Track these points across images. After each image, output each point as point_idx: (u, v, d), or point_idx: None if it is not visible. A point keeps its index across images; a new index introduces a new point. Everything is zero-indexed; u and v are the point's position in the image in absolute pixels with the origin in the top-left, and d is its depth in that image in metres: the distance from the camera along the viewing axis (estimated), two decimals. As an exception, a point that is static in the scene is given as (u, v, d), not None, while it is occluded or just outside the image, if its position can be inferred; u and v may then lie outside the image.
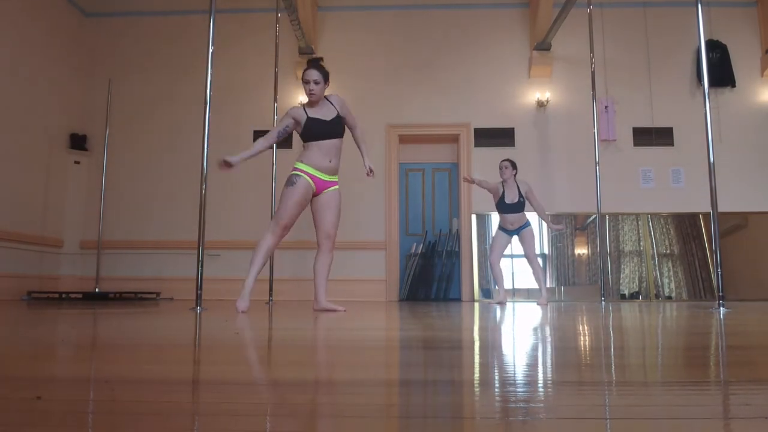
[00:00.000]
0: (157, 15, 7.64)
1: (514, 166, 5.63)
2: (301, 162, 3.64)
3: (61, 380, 0.90)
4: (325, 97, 3.71)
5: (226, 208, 7.18)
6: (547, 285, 6.83)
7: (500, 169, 5.64)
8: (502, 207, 5.57)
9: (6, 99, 6.17)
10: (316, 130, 3.60)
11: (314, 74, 3.59)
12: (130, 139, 7.40)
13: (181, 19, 7.60)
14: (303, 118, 3.61)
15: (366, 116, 7.31)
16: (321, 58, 3.72)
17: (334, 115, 3.65)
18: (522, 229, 5.54)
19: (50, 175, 6.90)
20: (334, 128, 3.64)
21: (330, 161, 3.65)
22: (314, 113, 3.63)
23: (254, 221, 7.04)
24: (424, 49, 7.42)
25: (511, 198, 5.54)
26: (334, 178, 3.73)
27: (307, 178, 3.61)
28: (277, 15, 5.99)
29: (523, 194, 5.51)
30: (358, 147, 3.85)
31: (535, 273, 5.54)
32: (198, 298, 3.61)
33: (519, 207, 5.50)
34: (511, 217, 5.54)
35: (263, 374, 0.99)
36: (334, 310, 3.61)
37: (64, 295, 6.13)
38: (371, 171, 3.79)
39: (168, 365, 1.08)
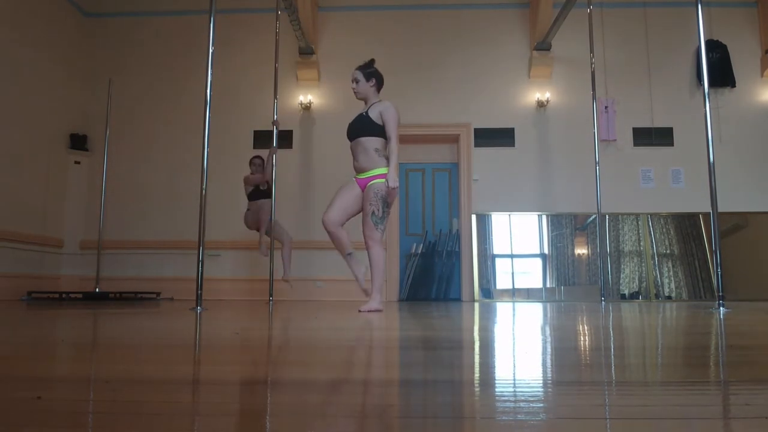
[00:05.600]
0: (157, 15, 7.64)
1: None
2: None
3: (61, 380, 0.90)
4: (380, 101, 3.86)
5: (226, 208, 7.18)
6: (548, 285, 6.85)
7: None
8: None
9: (6, 99, 6.17)
10: (347, 133, 3.88)
11: (355, 74, 3.90)
12: (130, 139, 7.40)
13: (181, 19, 7.60)
14: None
15: (366, 116, 7.31)
16: (372, 60, 3.96)
17: (357, 115, 3.84)
18: None
19: (50, 175, 6.90)
20: (350, 129, 3.82)
21: (357, 161, 3.80)
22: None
23: (254, 221, 7.04)
24: (424, 49, 7.42)
25: None
26: (370, 174, 3.75)
27: (354, 179, 3.87)
28: (277, 15, 5.99)
29: None
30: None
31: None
32: (198, 298, 3.61)
33: None
34: None
35: (263, 374, 0.99)
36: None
37: (64, 295, 6.13)
38: (391, 189, 3.66)
39: (168, 365, 1.08)
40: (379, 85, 3.92)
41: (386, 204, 3.68)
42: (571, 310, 3.78)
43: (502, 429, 0.59)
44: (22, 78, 6.41)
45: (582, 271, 6.87)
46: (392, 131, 3.72)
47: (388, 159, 3.73)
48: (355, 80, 3.88)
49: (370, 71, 3.88)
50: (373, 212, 3.66)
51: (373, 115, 3.75)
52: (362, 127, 3.74)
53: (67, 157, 7.21)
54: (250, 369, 1.04)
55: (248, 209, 6.17)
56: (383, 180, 3.69)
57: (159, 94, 7.48)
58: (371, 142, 3.73)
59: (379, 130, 3.73)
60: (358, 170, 3.79)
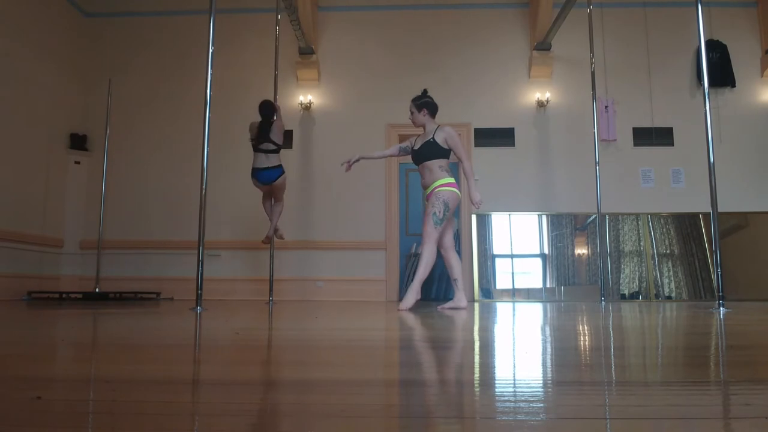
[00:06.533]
0: (157, 15, 7.64)
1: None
2: None
3: (61, 380, 0.90)
4: (439, 126, 4.31)
5: (226, 208, 7.18)
6: (548, 285, 6.85)
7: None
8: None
9: (6, 99, 6.17)
10: (413, 158, 4.38)
11: (410, 106, 4.39)
12: (130, 139, 7.40)
13: (181, 19, 7.60)
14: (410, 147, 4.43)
15: (366, 116, 7.31)
16: (425, 90, 4.43)
17: (423, 142, 4.28)
18: None
19: (50, 175, 6.90)
20: (418, 156, 4.29)
21: (423, 179, 4.31)
22: (417, 143, 4.37)
23: (254, 221, 7.04)
24: (424, 49, 7.42)
25: None
26: (433, 187, 4.23)
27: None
28: (277, 15, 6.00)
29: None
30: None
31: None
32: (198, 298, 3.61)
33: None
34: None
35: (263, 374, 0.99)
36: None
37: (64, 295, 6.13)
38: (476, 203, 4.18)
39: (168, 365, 1.08)
40: (432, 112, 4.36)
41: (447, 208, 4.15)
42: (571, 310, 3.78)
43: (502, 429, 0.59)
44: (22, 78, 6.41)
45: (582, 271, 6.87)
46: (463, 155, 4.23)
47: (449, 173, 4.21)
48: (411, 111, 4.38)
49: (420, 102, 4.34)
50: (435, 213, 4.13)
51: (439, 140, 4.23)
52: (431, 152, 4.22)
53: (67, 157, 7.21)
54: (251, 369, 1.04)
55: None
56: (446, 189, 4.15)
57: (159, 94, 7.48)
58: (436, 163, 4.23)
59: (444, 153, 4.24)
60: (425, 187, 4.30)
